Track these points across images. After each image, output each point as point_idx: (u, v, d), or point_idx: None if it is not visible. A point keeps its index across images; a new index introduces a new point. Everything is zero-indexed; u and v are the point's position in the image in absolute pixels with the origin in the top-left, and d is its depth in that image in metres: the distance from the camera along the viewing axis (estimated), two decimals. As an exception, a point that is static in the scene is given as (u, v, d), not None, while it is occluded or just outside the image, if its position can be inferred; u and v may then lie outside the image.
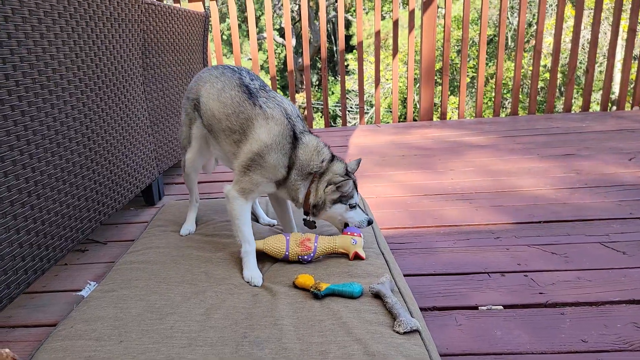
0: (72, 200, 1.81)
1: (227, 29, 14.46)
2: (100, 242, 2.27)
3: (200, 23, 3.57)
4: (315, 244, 1.62)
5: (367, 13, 14.64)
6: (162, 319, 1.31)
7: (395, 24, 4.65)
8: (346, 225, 1.70)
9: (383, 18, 13.69)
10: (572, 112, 4.77)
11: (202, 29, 3.65)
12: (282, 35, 15.46)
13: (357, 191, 1.69)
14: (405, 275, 1.79)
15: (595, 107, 10.06)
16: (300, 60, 16.18)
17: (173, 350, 1.18)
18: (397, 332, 1.26)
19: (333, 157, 1.68)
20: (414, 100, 5.08)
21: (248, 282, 1.56)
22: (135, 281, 1.52)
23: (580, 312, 1.55)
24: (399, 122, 4.98)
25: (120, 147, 2.25)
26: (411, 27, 4.64)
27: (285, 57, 16.31)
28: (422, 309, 1.60)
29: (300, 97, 14.27)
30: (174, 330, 1.27)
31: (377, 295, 1.44)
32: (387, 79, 11.79)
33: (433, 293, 1.71)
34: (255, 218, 2.11)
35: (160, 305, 1.39)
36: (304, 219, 1.78)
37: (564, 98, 4.87)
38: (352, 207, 1.67)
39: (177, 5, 4.34)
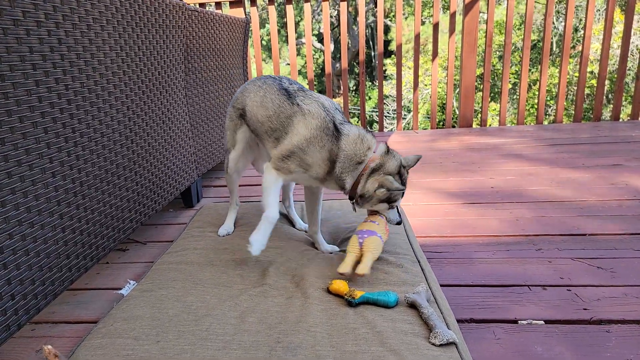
0: (115, 201, 1.86)
1: (267, 34, 14.65)
2: (141, 242, 2.33)
3: (241, 29, 3.63)
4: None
5: (406, 18, 14.51)
6: (198, 321, 1.33)
7: (436, 27, 4.59)
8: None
9: (423, 23, 13.57)
10: (621, 120, 4.58)
11: (243, 34, 3.70)
12: (321, 41, 15.52)
13: (403, 194, 1.71)
14: (442, 286, 1.75)
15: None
16: (337, 65, 16.23)
17: (208, 353, 1.19)
18: (433, 344, 1.23)
19: (388, 150, 1.70)
20: (453, 106, 4.99)
21: (248, 244, 1.60)
22: (172, 282, 1.55)
23: (626, 330, 1.48)
24: (437, 128, 4.91)
25: (162, 149, 2.30)
26: (452, 31, 4.58)
27: (323, 62, 16.46)
28: (458, 321, 1.56)
29: (338, 102, 14.29)
30: (209, 332, 1.28)
31: (413, 305, 1.41)
32: (426, 85, 11.65)
33: (470, 305, 1.67)
34: (291, 224, 2.13)
35: (196, 306, 1.41)
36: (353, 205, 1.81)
37: (611, 106, 4.68)
38: (392, 207, 1.72)
39: (219, 11, 4.43)
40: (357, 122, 14.72)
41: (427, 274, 1.62)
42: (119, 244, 1.93)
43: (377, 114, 4.89)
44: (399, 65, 4.79)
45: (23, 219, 1.37)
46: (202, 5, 4.57)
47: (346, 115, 4.92)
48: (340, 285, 1.50)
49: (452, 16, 4.54)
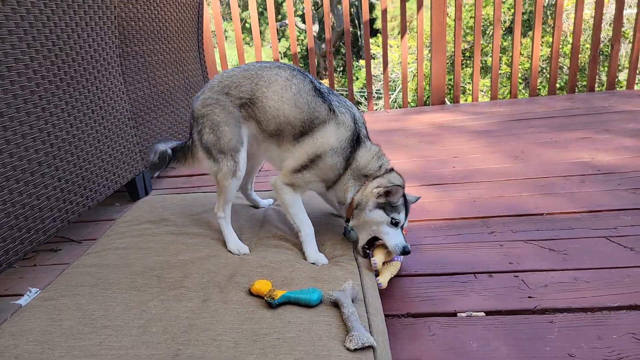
0: (29, 200, 1.72)
1: (250, 17, 14.28)
2: (75, 240, 2.19)
3: (193, 9, 3.44)
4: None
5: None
6: (94, 334, 1.20)
7: (403, 1, 4.41)
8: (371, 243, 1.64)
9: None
10: (597, 90, 4.45)
11: (196, 15, 3.52)
12: (303, 22, 15.19)
13: (405, 215, 1.61)
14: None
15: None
16: (323, 46, 15.92)
17: (90, 371, 1.07)
18: (348, 349, 1.12)
19: (393, 169, 1.67)
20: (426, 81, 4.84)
21: (314, 264, 1.55)
22: (79, 287, 1.42)
23: (571, 319, 1.37)
24: (410, 106, 4.76)
25: (93, 141, 2.15)
26: (420, 5, 4.40)
27: (306, 43, 16.14)
28: (395, 316, 1.45)
29: (325, 83, 14.07)
30: (102, 346, 1.15)
31: (336, 304, 1.29)
32: (409, 63, 11.43)
33: (410, 297, 1.55)
34: (254, 205, 2.09)
35: (97, 316, 1.28)
36: (345, 229, 1.71)
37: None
38: (394, 224, 1.56)
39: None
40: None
41: (362, 270, 1.50)
42: (37, 246, 1.78)
43: (364, 94, 4.72)
44: (367, 46, 4.61)
45: None
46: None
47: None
48: (262, 285, 1.38)
49: (419, -12, 4.37)
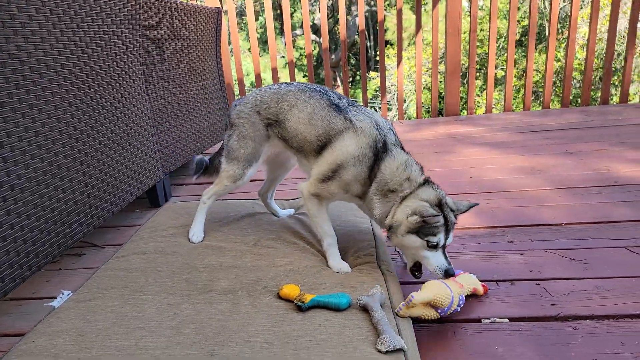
0: (58, 205, 1.75)
1: (260, 27, 14.38)
2: (99, 245, 2.23)
3: (212, 19, 3.50)
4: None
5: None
6: (128, 334, 1.23)
7: (419, 2, 4.45)
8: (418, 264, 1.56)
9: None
10: (611, 103, 4.46)
11: (214, 24, 3.58)
12: (314, 32, 15.32)
13: (447, 233, 1.49)
14: (407, 283, 1.66)
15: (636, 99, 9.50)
16: (333, 56, 16.07)
17: (129, 370, 1.09)
18: (379, 351, 1.14)
19: (426, 182, 1.55)
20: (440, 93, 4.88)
21: (337, 272, 1.57)
22: (110, 290, 1.45)
23: (595, 326, 1.38)
24: (424, 117, 4.80)
25: (117, 147, 2.19)
26: (435, 9, 4.45)
27: (318, 54, 16.29)
28: (420, 321, 1.46)
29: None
30: (137, 346, 1.18)
31: (365, 308, 1.32)
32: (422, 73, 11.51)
33: (434, 303, 1.56)
34: (273, 213, 2.12)
35: (130, 317, 1.31)
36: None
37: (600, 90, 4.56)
38: (431, 247, 1.47)
39: (184, 1, 4.25)
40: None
41: (387, 276, 1.52)
42: (66, 250, 1.81)
43: (374, 105, 4.78)
44: (382, 55, 4.67)
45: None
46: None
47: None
48: (290, 290, 1.41)
49: None
